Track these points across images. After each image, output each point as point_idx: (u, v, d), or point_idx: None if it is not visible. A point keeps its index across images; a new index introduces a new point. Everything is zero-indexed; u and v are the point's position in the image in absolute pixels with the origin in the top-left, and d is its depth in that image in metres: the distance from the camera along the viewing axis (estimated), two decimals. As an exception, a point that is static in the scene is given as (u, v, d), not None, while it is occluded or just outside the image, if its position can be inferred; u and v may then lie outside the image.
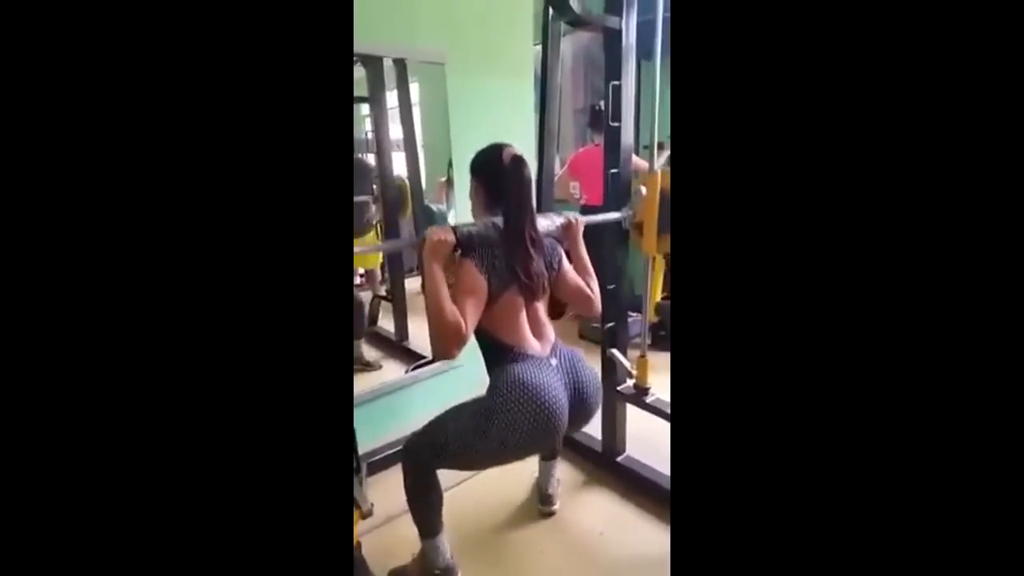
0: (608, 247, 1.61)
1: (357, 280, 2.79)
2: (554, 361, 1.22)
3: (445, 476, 1.69)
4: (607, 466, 1.74)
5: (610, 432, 1.73)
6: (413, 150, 2.15)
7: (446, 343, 1.07)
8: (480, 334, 1.19)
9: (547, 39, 1.58)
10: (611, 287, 1.62)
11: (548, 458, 1.58)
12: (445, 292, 1.08)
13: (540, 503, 1.58)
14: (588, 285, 1.32)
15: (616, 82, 1.51)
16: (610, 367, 1.68)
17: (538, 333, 1.25)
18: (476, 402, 1.18)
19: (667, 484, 1.57)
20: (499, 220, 1.17)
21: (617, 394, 1.68)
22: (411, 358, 2.17)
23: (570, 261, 1.33)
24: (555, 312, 1.78)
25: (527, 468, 1.63)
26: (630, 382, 1.66)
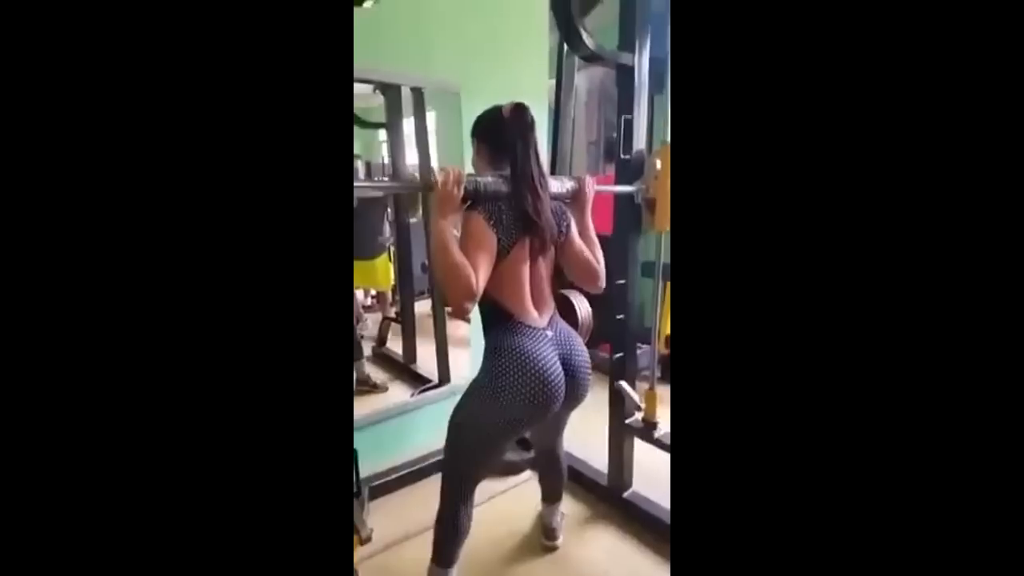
0: (617, 273, 1.61)
1: (368, 301, 2.81)
2: (550, 333, 1.19)
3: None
4: (612, 501, 1.71)
5: (616, 466, 1.70)
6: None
7: (458, 297, 1.02)
8: (484, 299, 1.15)
9: (561, 73, 1.61)
10: (620, 317, 1.62)
11: (552, 501, 1.55)
12: (454, 246, 1.03)
13: (544, 537, 1.55)
14: (594, 256, 1.26)
15: (628, 116, 1.52)
16: (617, 400, 1.66)
17: (539, 300, 1.21)
18: (476, 381, 1.16)
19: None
20: (506, 172, 1.14)
21: (624, 428, 1.66)
22: (418, 381, 2.17)
23: (578, 229, 1.28)
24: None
25: (532, 500, 1.60)
26: (638, 415, 1.63)
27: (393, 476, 1.78)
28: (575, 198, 1.30)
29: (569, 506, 1.73)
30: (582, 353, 1.22)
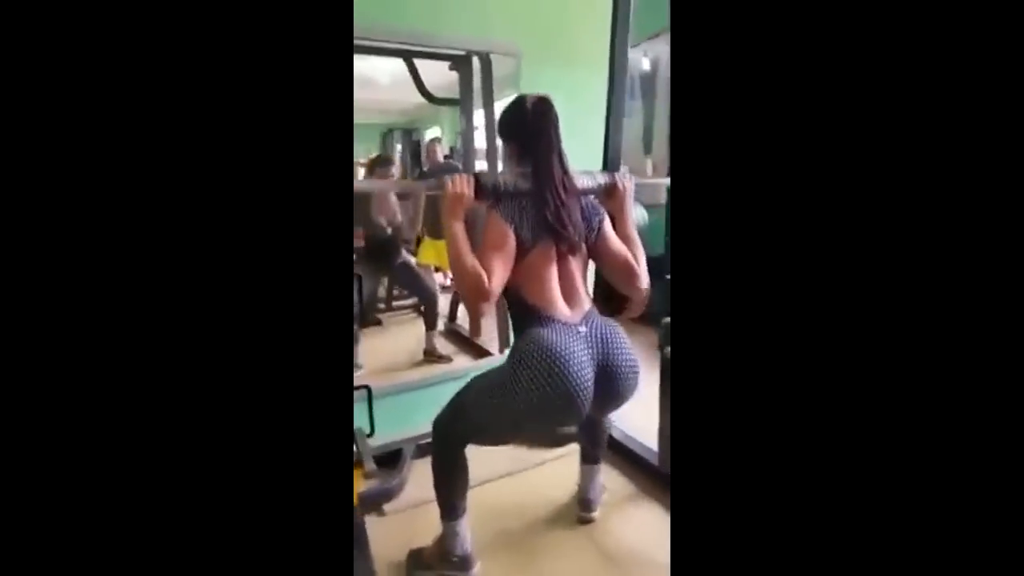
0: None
1: (443, 280, 2.89)
2: (583, 329, 1.10)
3: (486, 468, 1.65)
4: (662, 480, 1.56)
5: (667, 443, 1.54)
6: (493, 157, 2.18)
7: (471, 299, 1.03)
8: (507, 293, 1.12)
9: (614, 50, 1.52)
10: (668, 276, 1.48)
11: (590, 461, 1.45)
12: (465, 248, 1.03)
13: (579, 508, 1.45)
14: (634, 255, 1.17)
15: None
16: (668, 368, 1.51)
17: (570, 296, 1.14)
18: (498, 369, 1.12)
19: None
20: (529, 170, 1.10)
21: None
22: (482, 354, 2.19)
23: (615, 229, 1.19)
24: (615, 307, 1.66)
25: (572, 470, 1.51)
26: (690, 387, 1.47)
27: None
28: (610, 195, 1.22)
29: (613, 481, 1.61)
30: (624, 353, 1.11)
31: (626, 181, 1.23)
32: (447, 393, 1.21)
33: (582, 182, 1.15)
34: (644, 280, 1.18)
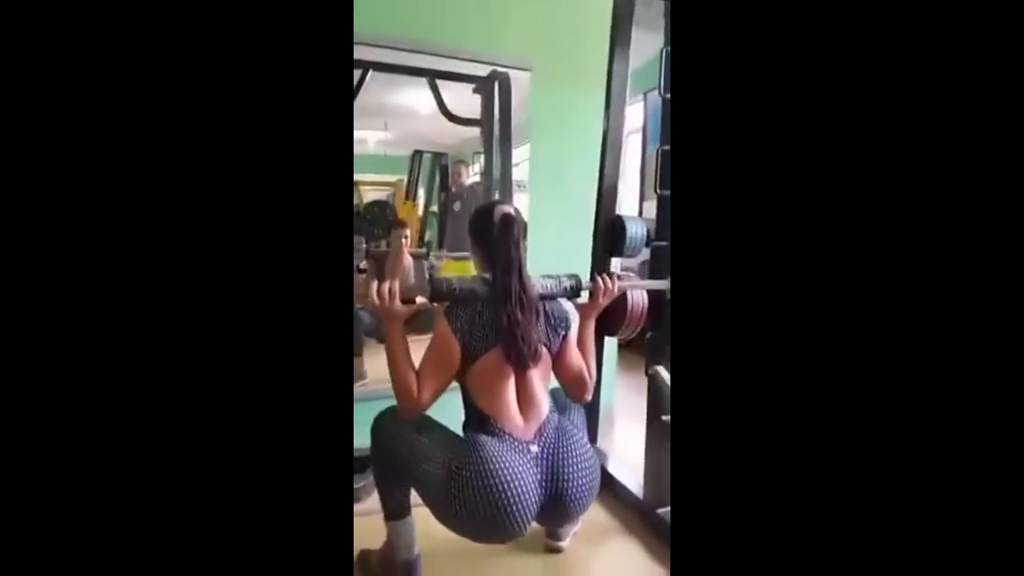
0: (657, 235, 1.40)
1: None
2: (535, 448, 1.05)
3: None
4: (645, 516, 1.41)
5: (653, 476, 1.41)
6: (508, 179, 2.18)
7: (401, 405, 1.04)
8: (463, 389, 1.11)
9: (609, 95, 1.52)
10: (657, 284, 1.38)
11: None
12: (400, 356, 1.02)
13: (546, 535, 1.33)
14: (587, 367, 1.17)
15: (667, 147, 1.36)
16: (654, 391, 1.39)
17: (526, 407, 1.09)
18: (440, 447, 1.06)
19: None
20: (489, 277, 1.09)
21: (662, 427, 1.37)
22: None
23: (580, 329, 1.19)
24: (611, 326, 1.56)
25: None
26: (677, 412, 1.34)
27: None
28: (590, 301, 1.22)
29: (593, 515, 1.47)
30: (579, 473, 1.04)
31: (605, 289, 1.20)
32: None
33: (543, 285, 1.13)
34: (590, 391, 1.19)
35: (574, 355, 1.16)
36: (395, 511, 1.15)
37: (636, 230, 1.49)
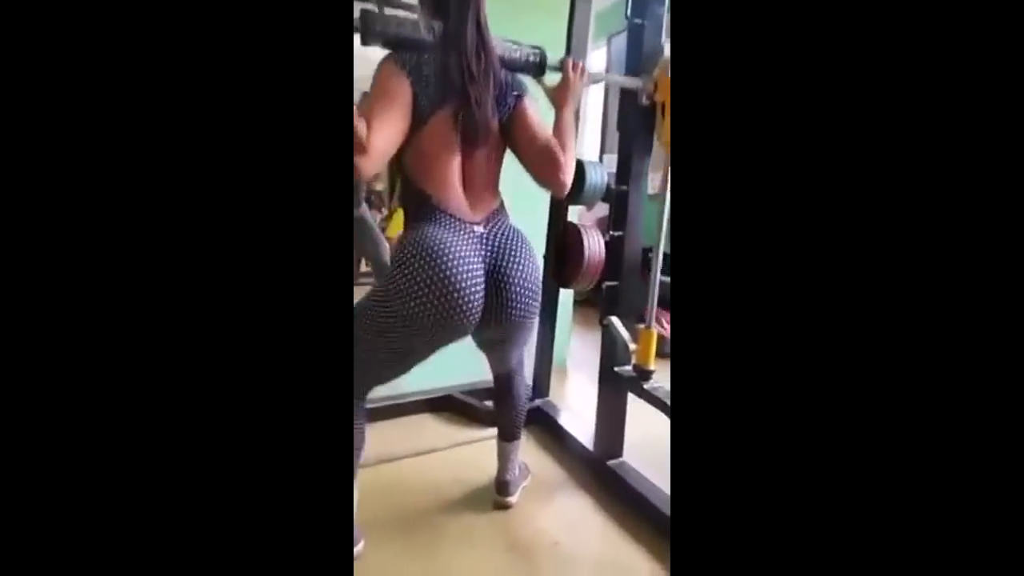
0: (617, 179, 1.33)
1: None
2: (479, 229, 0.95)
3: (403, 443, 1.50)
4: (595, 469, 1.39)
5: (604, 428, 1.38)
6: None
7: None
8: (402, 176, 0.96)
9: None
10: (616, 234, 1.31)
11: (506, 437, 1.28)
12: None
13: (495, 491, 1.29)
14: (562, 144, 0.97)
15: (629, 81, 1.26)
16: (608, 342, 1.34)
17: (473, 189, 0.97)
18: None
19: (665, 506, 1.18)
20: (439, 24, 0.92)
21: (615, 379, 1.33)
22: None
23: (556, 115, 1.01)
24: (565, 276, 1.50)
25: (494, 452, 1.35)
26: (631, 364, 1.30)
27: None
28: (560, 85, 1.04)
29: (543, 467, 1.44)
30: (524, 265, 0.96)
31: (577, 69, 1.04)
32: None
33: (505, 52, 0.98)
34: (567, 173, 0.97)
35: (536, 126, 0.98)
36: None
37: (595, 176, 1.40)
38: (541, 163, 0.98)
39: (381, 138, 0.82)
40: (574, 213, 1.69)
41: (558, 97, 1.04)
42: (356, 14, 0.88)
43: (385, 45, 0.91)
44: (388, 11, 0.92)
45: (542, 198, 1.56)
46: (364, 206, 2.17)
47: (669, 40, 1.27)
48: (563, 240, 1.49)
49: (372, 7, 0.91)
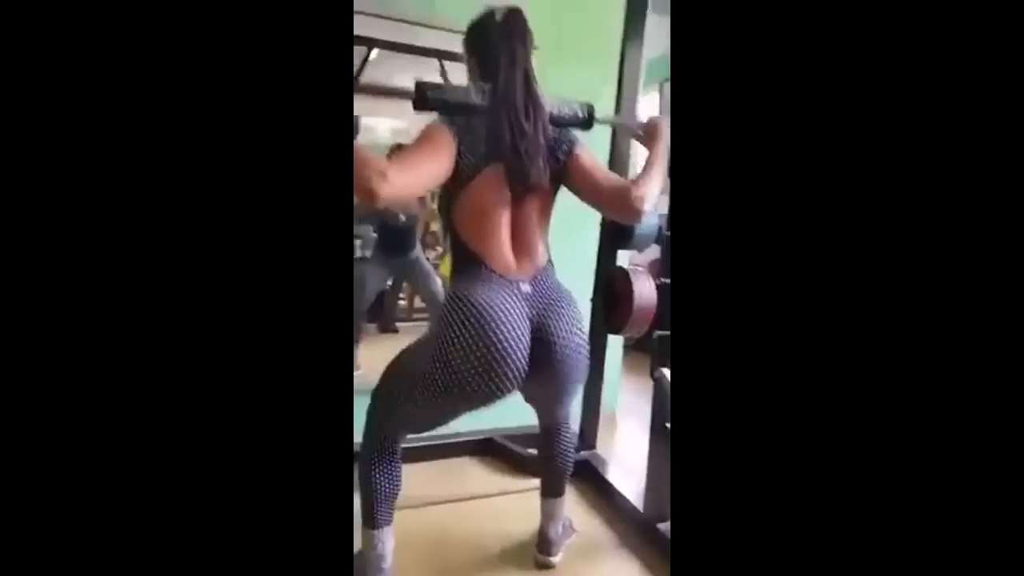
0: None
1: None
2: (526, 288, 0.94)
3: (447, 487, 1.46)
4: (644, 531, 1.30)
5: (655, 488, 1.29)
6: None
7: (360, 188, 0.72)
8: (451, 235, 0.97)
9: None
10: (665, 280, 1.27)
11: (550, 493, 1.22)
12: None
13: (537, 549, 1.23)
14: (644, 171, 0.93)
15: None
16: (659, 397, 1.27)
17: (520, 247, 0.97)
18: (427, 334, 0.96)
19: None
20: (488, 87, 0.93)
21: (666, 436, 1.26)
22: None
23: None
24: (615, 322, 1.45)
25: (537, 503, 1.29)
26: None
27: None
28: (648, 135, 1.02)
29: (591, 527, 1.36)
30: (569, 322, 0.94)
31: (661, 122, 1.01)
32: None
33: (554, 109, 0.98)
34: (638, 198, 0.89)
35: (594, 169, 0.97)
36: (370, 519, 1.04)
37: (647, 221, 1.37)
38: (609, 201, 0.97)
39: (399, 176, 0.78)
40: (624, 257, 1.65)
41: (651, 145, 1.01)
42: (411, 83, 0.92)
43: (437, 110, 0.94)
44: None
45: (591, 239, 1.54)
46: (419, 247, 2.23)
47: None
48: (612, 284, 1.46)
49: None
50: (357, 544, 1.07)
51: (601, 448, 1.67)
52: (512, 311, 0.89)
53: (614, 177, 1.00)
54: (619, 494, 1.41)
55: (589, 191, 0.99)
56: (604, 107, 1.43)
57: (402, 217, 2.13)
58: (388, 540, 1.06)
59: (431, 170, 0.88)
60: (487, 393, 0.89)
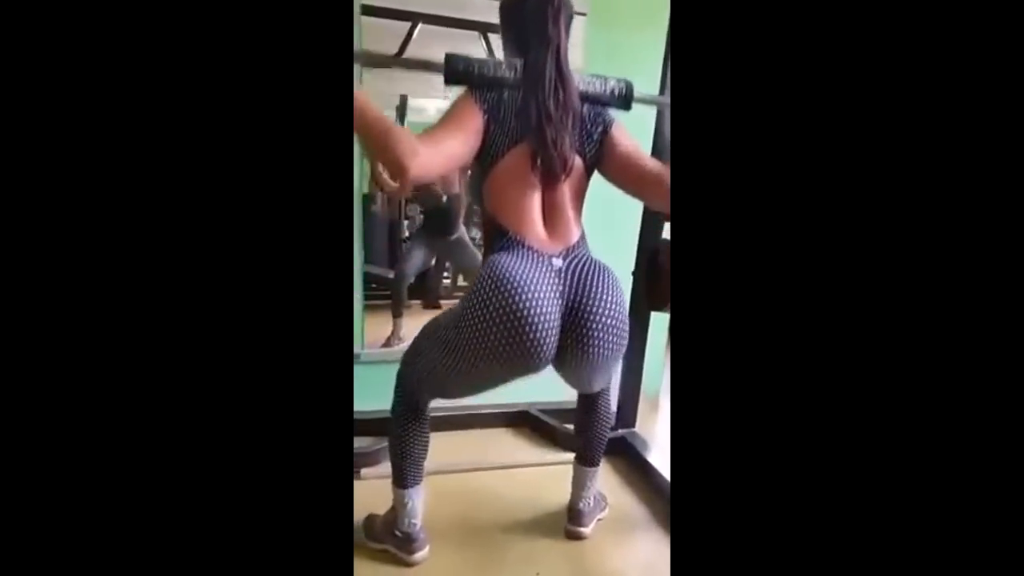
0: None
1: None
2: (558, 262, 0.91)
3: (483, 454, 1.47)
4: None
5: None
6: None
7: (391, 163, 0.72)
8: (483, 213, 0.98)
9: None
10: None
11: (584, 461, 1.20)
12: (372, 106, 0.72)
13: (567, 519, 1.21)
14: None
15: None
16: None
17: (553, 222, 0.95)
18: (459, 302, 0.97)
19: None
20: (520, 63, 0.92)
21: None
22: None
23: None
24: (657, 298, 1.40)
25: (570, 478, 1.28)
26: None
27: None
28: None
29: (623, 503, 1.33)
30: (608, 301, 0.91)
31: None
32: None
33: (587, 87, 0.94)
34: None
35: (629, 151, 0.95)
36: (402, 479, 1.06)
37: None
38: (642, 186, 0.96)
39: (429, 152, 0.78)
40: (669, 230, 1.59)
41: None
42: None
43: (467, 84, 0.92)
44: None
45: (634, 211, 1.49)
46: (461, 228, 2.25)
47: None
48: (655, 259, 1.40)
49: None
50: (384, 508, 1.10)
51: (641, 428, 1.63)
52: (541, 283, 0.87)
53: (654, 164, 0.95)
54: (656, 472, 1.37)
55: (625, 178, 0.97)
56: (649, 68, 1.38)
57: (444, 197, 2.14)
58: (418, 498, 1.08)
59: (457, 148, 0.88)
60: (511, 362, 0.88)
